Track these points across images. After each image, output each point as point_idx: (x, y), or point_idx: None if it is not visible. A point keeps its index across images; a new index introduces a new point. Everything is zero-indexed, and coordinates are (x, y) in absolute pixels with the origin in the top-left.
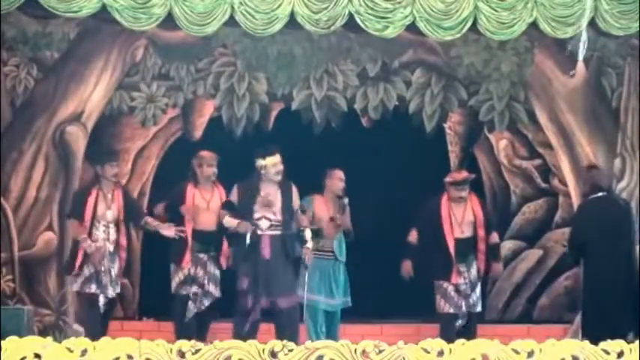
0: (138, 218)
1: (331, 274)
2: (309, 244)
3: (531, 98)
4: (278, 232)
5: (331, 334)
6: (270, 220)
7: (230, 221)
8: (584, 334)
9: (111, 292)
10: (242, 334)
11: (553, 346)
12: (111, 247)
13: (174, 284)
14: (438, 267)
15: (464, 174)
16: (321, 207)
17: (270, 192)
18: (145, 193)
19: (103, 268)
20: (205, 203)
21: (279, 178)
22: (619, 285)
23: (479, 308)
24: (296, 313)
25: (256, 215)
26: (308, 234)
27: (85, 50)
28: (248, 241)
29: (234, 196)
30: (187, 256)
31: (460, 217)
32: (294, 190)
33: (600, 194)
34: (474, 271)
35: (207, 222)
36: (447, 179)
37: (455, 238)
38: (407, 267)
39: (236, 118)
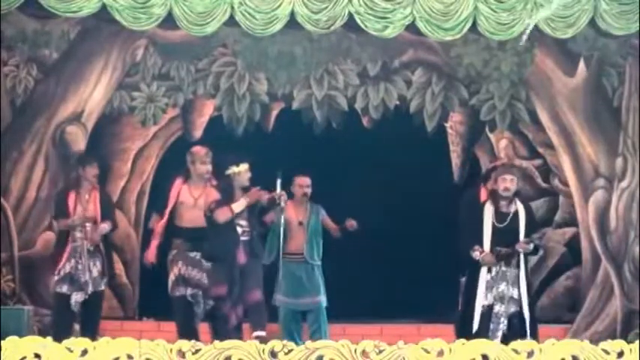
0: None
1: (301, 276)
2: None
3: (532, 98)
4: (247, 238)
5: (318, 334)
6: (242, 226)
7: (240, 203)
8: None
9: (90, 290)
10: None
11: (553, 346)
12: (90, 246)
13: (169, 285)
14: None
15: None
16: (290, 211)
17: (239, 198)
18: (145, 192)
19: (80, 267)
20: (193, 200)
21: (248, 184)
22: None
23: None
24: (262, 305)
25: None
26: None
27: (84, 50)
28: (282, 205)
29: (215, 195)
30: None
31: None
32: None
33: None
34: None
35: (195, 219)
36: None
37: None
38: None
39: (236, 117)
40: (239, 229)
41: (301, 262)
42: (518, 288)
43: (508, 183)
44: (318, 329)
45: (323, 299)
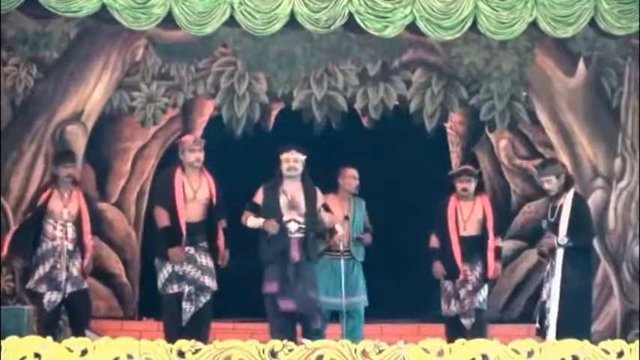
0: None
1: (346, 273)
2: (341, 231)
3: (532, 98)
4: (302, 235)
5: (352, 335)
6: (298, 222)
7: (255, 221)
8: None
9: (69, 289)
10: (279, 337)
11: (553, 346)
12: (70, 246)
13: (159, 282)
14: (443, 266)
15: (465, 166)
16: (335, 206)
17: (295, 194)
18: (145, 192)
19: (58, 266)
20: (192, 192)
21: (291, 174)
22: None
23: (486, 306)
24: (316, 309)
25: (285, 218)
26: (339, 227)
27: (84, 50)
28: (274, 231)
29: (258, 198)
30: (181, 250)
31: (467, 214)
32: (319, 191)
33: (573, 189)
34: (479, 270)
35: (194, 213)
36: (451, 172)
37: (460, 236)
38: (437, 268)
39: (236, 117)
40: (294, 226)
41: (347, 259)
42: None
43: (546, 185)
44: (352, 330)
45: (359, 299)
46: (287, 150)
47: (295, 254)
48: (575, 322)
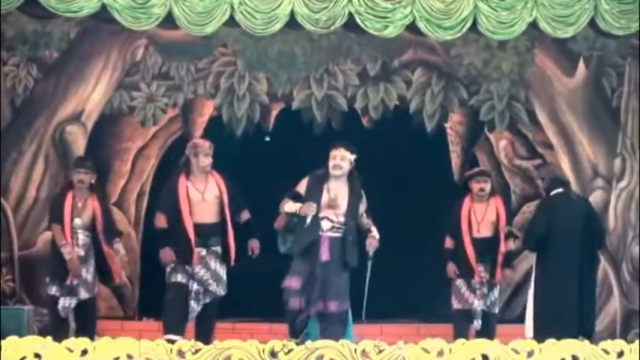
0: (109, 235)
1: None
2: (376, 234)
3: (531, 98)
4: (339, 235)
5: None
6: (332, 222)
7: (292, 206)
8: (535, 334)
9: (83, 295)
10: (296, 334)
11: (553, 345)
12: (81, 252)
13: (166, 275)
14: (456, 266)
15: (481, 167)
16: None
17: (339, 193)
18: (145, 192)
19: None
20: (200, 195)
21: (336, 172)
22: (576, 285)
23: (497, 309)
24: (343, 317)
25: (320, 215)
26: (374, 230)
27: (84, 50)
28: (308, 222)
29: (302, 188)
30: (171, 252)
31: (481, 216)
32: (364, 197)
33: (561, 190)
34: (492, 271)
35: (205, 214)
36: (467, 173)
37: (473, 238)
38: (451, 268)
39: (236, 117)
40: (327, 224)
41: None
42: None
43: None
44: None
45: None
46: (336, 147)
47: (325, 253)
48: (551, 323)
